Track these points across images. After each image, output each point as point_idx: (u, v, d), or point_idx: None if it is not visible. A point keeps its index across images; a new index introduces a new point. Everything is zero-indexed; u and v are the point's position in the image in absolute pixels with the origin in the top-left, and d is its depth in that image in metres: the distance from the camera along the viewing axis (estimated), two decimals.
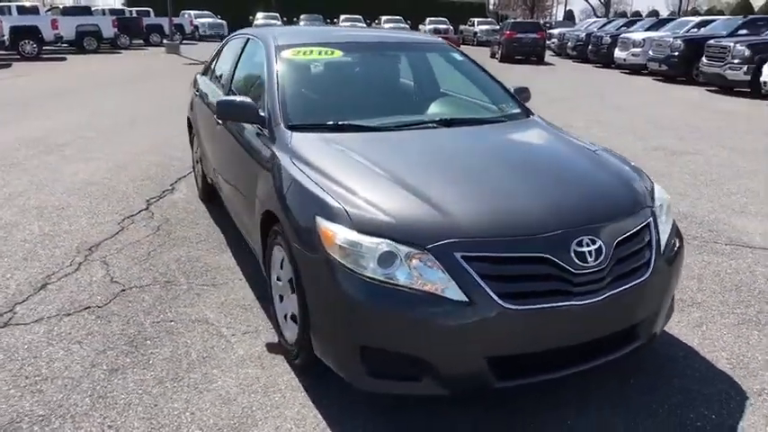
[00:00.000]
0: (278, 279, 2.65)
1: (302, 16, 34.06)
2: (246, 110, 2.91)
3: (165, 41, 25.16)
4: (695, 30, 16.86)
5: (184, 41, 27.19)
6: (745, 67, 12.41)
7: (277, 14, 33.96)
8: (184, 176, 5.58)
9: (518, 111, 3.26)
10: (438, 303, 1.94)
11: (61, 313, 3.00)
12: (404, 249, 2.00)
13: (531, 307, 1.97)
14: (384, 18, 35.95)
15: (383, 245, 2.00)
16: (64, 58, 19.40)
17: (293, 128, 2.75)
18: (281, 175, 2.50)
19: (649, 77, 16.63)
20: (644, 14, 60.13)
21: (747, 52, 12.36)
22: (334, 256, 2.06)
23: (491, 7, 68.24)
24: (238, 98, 2.93)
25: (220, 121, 3.54)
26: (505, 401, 2.32)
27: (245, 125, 3.04)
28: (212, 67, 4.49)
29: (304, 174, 2.39)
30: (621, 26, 22.05)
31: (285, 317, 2.59)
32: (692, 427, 2.22)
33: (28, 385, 2.41)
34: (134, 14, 27.36)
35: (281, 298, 2.65)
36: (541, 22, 32.71)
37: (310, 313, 2.21)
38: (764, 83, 11.10)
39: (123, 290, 3.27)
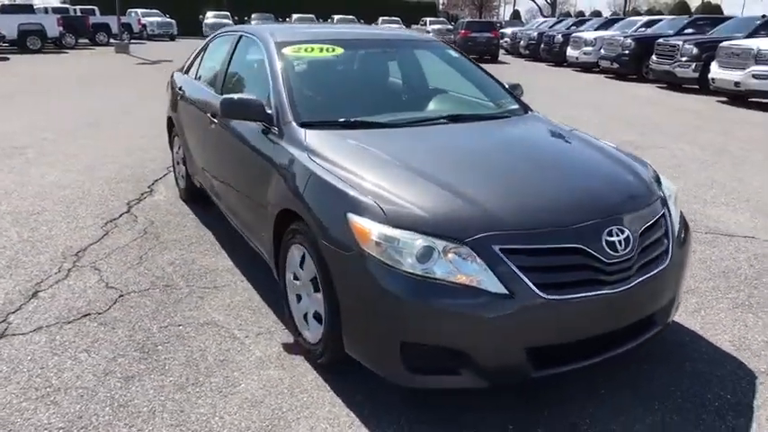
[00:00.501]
0: (295, 278, 2.61)
1: (253, 15, 33.52)
2: (253, 107, 2.85)
3: (112, 41, 24.29)
4: (643, 29, 17.54)
5: (133, 41, 26.30)
6: (693, 65, 13.01)
7: (228, 13, 33.34)
8: (161, 178, 5.42)
9: (516, 106, 3.32)
10: (478, 296, 1.96)
11: (60, 321, 2.87)
12: (441, 243, 2.00)
13: (568, 297, 2.01)
14: (381, 18, 35.79)
15: (420, 239, 2.01)
16: (6, 58, 18.45)
17: (305, 125, 2.72)
18: (299, 172, 2.47)
19: (601, 75, 17.21)
20: (587, 14, 62.13)
21: (695, 50, 12.96)
22: (370, 252, 2.05)
23: (441, 7, 69.08)
24: (244, 96, 2.87)
25: (215, 121, 3.46)
26: (534, 392, 2.36)
27: (249, 124, 2.97)
28: (196, 65, 4.37)
29: (327, 171, 2.36)
30: (571, 25, 22.72)
31: (305, 316, 2.56)
32: (711, 407, 2.32)
33: (40, 397, 2.29)
34: (78, 13, 26.28)
35: (299, 297, 2.61)
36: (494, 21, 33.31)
37: (342, 311, 2.18)
38: (713, 79, 11.64)
39: (121, 295, 3.15)
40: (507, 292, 1.96)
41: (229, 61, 3.64)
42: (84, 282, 3.30)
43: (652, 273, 2.21)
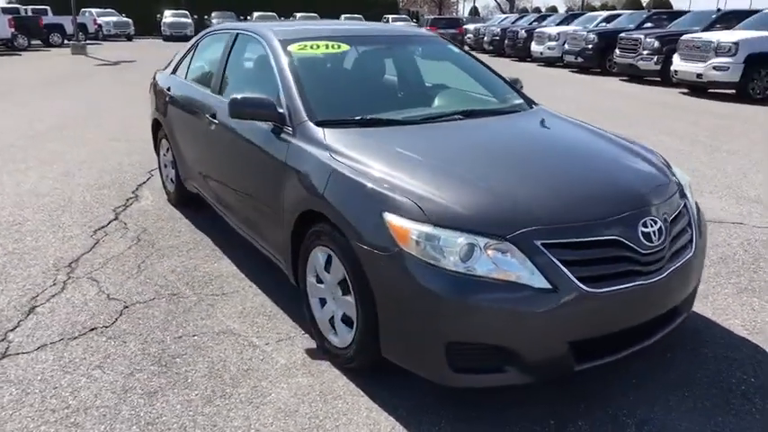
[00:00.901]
0: (318, 282, 2.54)
1: (213, 14, 32.93)
2: (265, 107, 2.77)
3: (67, 42, 23.41)
4: (604, 24, 17.94)
5: (88, 42, 25.42)
6: (655, 58, 13.38)
7: (186, 12, 32.60)
8: (144, 182, 5.24)
9: (522, 101, 3.32)
10: (522, 291, 1.94)
11: (65, 337, 2.72)
12: (482, 240, 1.98)
13: (609, 289, 2.02)
14: (391, 17, 35.56)
15: (462, 237, 1.98)
16: None
17: (320, 124, 2.65)
18: (323, 173, 2.40)
19: (565, 69, 17.54)
20: (543, 10, 63.35)
21: (657, 44, 13.33)
22: (411, 251, 2.00)
23: (401, 4, 69.26)
24: (253, 95, 2.78)
25: (216, 122, 3.35)
26: (568, 385, 2.36)
27: (257, 124, 2.88)
28: (185, 65, 4.23)
29: (355, 170, 2.30)
30: (534, 21, 23.09)
31: (331, 320, 2.50)
32: (738, 391, 2.37)
33: (60, 419, 2.17)
34: (29, 13, 25.27)
35: (323, 301, 2.55)
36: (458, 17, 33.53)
37: (380, 313, 2.13)
38: (676, 72, 11.99)
39: (126, 306, 3.02)
40: (550, 287, 1.95)
41: (226, 60, 3.52)
42: (83, 294, 3.15)
43: (681, 262, 2.25)
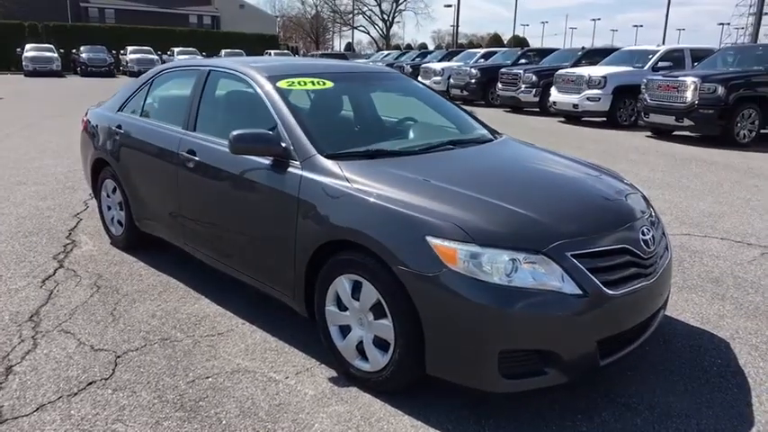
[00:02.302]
0: (342, 309, 2.60)
1: (83, 48, 31.03)
2: (268, 142, 2.81)
3: None
4: (482, 60, 19.45)
5: None
6: (534, 90, 14.78)
7: (51, 46, 30.38)
8: (75, 227, 4.88)
9: (486, 131, 3.62)
10: (559, 299, 2.17)
11: (64, 395, 2.51)
12: (521, 255, 2.19)
13: (625, 291, 2.31)
14: (273, 52, 35.11)
15: (505, 254, 2.17)
16: None
17: (330, 157, 2.74)
18: (349, 203, 2.48)
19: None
20: (414, 47, 66.95)
21: (535, 78, 14.74)
22: (459, 270, 2.16)
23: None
24: (256, 130, 2.81)
25: (195, 159, 3.28)
26: (581, 386, 2.62)
27: (255, 159, 2.90)
28: (137, 103, 4.06)
29: (384, 199, 2.42)
30: (416, 57, 24.40)
31: (358, 346, 2.56)
32: (711, 371, 2.77)
33: None
34: None
35: (346, 328, 2.61)
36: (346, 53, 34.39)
37: (427, 332, 2.25)
38: (554, 102, 13.32)
39: (118, 356, 2.84)
40: (581, 292, 2.20)
41: (200, 98, 3.47)
42: (62, 348, 2.90)
43: (665, 263, 2.62)
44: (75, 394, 2.52)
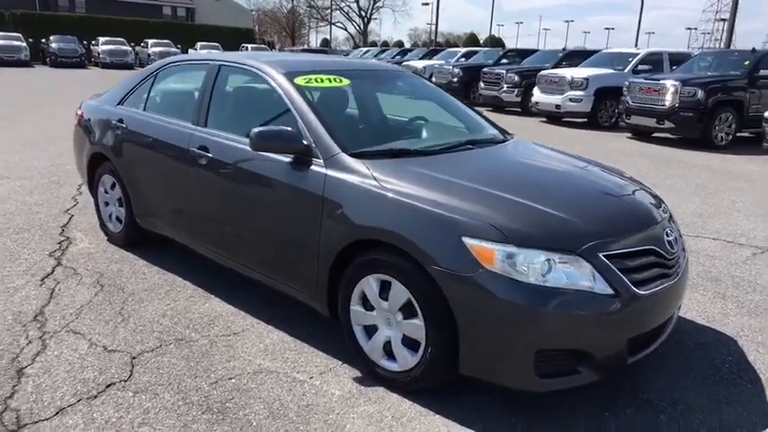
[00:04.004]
0: (369, 309, 2.58)
1: (52, 38, 30.18)
2: (289, 139, 2.77)
3: None
4: (463, 59, 19.56)
5: None
6: (516, 91, 14.92)
7: (20, 35, 29.45)
8: (67, 223, 4.74)
9: (497, 132, 3.63)
10: (593, 298, 2.20)
11: (83, 397, 2.44)
12: (556, 255, 2.21)
13: (652, 291, 2.35)
14: (250, 46, 34.68)
15: (541, 254, 2.19)
16: None
17: (356, 156, 2.72)
18: (380, 203, 2.47)
19: None
20: (390, 45, 67.04)
21: (517, 78, 14.88)
22: (496, 270, 2.17)
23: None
24: (277, 127, 2.77)
25: (206, 158, 3.22)
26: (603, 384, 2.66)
27: (275, 157, 2.86)
28: (140, 97, 3.96)
29: (416, 198, 2.40)
30: (396, 55, 24.40)
31: (385, 346, 2.55)
32: (724, 368, 2.84)
33: None
34: None
35: (372, 328, 2.60)
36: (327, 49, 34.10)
37: (461, 331, 2.25)
38: (537, 103, 13.48)
39: (134, 357, 2.77)
40: (613, 292, 2.23)
41: (211, 94, 3.40)
42: (73, 349, 2.82)
43: (684, 264, 2.67)
44: (95, 397, 2.45)
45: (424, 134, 3.35)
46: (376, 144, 2.93)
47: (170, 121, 3.61)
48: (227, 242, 3.28)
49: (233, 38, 41.68)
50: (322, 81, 3.17)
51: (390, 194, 2.47)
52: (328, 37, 58.94)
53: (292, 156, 2.83)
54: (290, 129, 2.81)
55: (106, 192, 4.26)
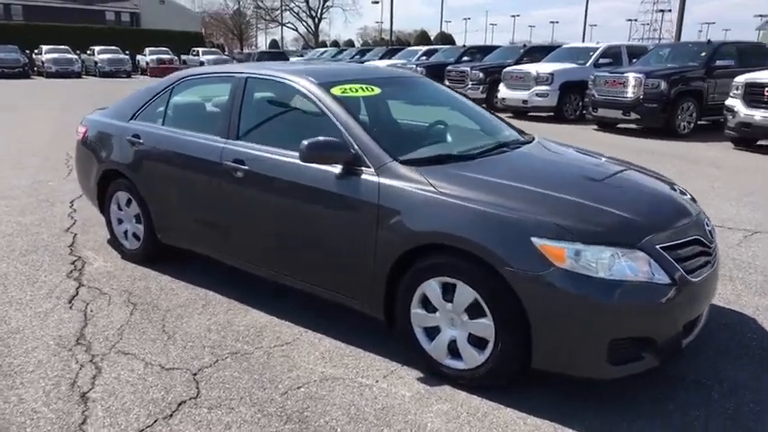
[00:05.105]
0: (430, 312, 2.67)
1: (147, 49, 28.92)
2: (340, 149, 2.83)
3: None
4: (425, 58, 19.79)
5: None
6: (481, 87, 15.22)
7: None
8: (73, 242, 4.62)
9: (516, 132, 3.77)
10: (655, 288, 2.35)
11: (159, 417, 2.44)
12: (620, 250, 2.35)
13: (701, 278, 2.53)
14: (201, 50, 33.62)
15: (606, 250, 2.33)
16: None
17: (404, 163, 2.79)
18: (442, 208, 2.55)
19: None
20: (341, 44, 67.01)
21: (482, 75, 15.20)
22: (567, 268, 2.29)
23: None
24: (329, 138, 2.82)
25: (242, 171, 3.22)
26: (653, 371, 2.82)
27: (322, 167, 2.90)
28: (156, 111, 3.90)
29: (476, 203, 2.51)
30: (355, 55, 24.43)
31: (450, 345, 2.64)
32: (751, 345, 3.06)
33: None
34: None
35: (430, 331, 2.68)
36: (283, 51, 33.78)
37: (534, 327, 2.36)
38: (503, 99, 13.80)
39: (194, 374, 2.77)
40: (670, 281, 2.39)
41: (240, 106, 3.40)
42: (129, 370, 2.80)
43: (717, 251, 2.87)
44: (171, 416, 2.45)
45: (455, 138, 3.45)
46: (417, 150, 3.02)
47: (195, 135, 3.59)
48: (267, 253, 3.30)
49: (182, 42, 40.82)
50: (356, 91, 3.23)
51: (452, 200, 2.56)
52: (281, 37, 58.33)
53: (340, 166, 2.88)
54: (338, 139, 2.86)
55: (120, 209, 4.19)
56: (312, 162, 2.85)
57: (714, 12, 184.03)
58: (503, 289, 2.40)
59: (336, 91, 3.14)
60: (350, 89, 3.20)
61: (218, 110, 3.55)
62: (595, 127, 12.05)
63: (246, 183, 3.25)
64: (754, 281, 3.94)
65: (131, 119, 4.04)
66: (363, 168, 2.83)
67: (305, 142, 2.78)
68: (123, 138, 3.98)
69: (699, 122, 10.94)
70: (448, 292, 2.59)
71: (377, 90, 3.33)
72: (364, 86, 3.28)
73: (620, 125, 11.65)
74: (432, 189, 2.64)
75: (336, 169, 2.89)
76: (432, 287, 2.62)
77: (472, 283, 2.48)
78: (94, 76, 31.08)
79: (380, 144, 2.86)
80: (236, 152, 3.31)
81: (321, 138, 2.81)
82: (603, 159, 3.34)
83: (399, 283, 2.73)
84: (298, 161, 3.01)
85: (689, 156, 8.81)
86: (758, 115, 8.82)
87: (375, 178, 2.78)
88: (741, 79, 9.12)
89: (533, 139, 3.63)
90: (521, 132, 3.75)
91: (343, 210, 2.86)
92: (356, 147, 2.87)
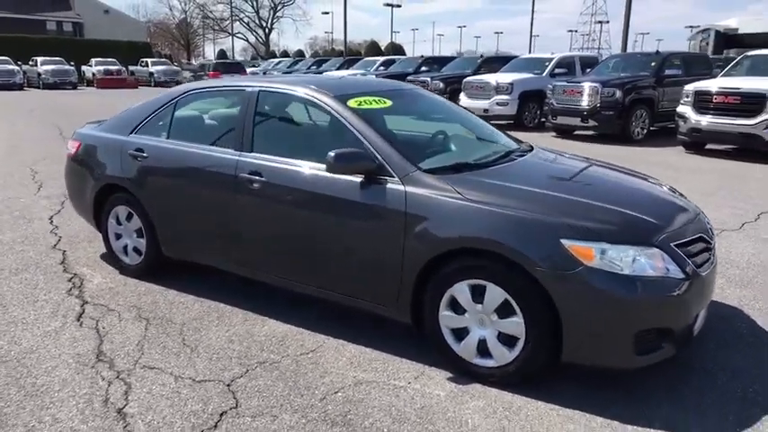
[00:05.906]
0: (459, 313, 2.79)
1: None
2: (365, 159, 2.92)
3: None
4: (383, 68, 20.04)
5: None
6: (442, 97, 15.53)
7: None
8: (64, 259, 4.51)
9: (513, 141, 3.96)
10: (672, 282, 2.55)
11: (204, 428, 2.45)
12: (640, 249, 2.54)
13: (708, 271, 2.76)
14: (150, 61, 32.47)
15: (630, 248, 2.52)
16: None
17: (428, 172, 2.91)
18: (470, 214, 2.68)
19: None
20: (291, 54, 66.79)
21: (442, 85, 15.51)
22: (595, 266, 2.47)
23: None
24: (354, 149, 2.91)
25: (259, 182, 3.27)
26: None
27: (344, 177, 2.99)
28: (160, 125, 3.88)
29: (504, 208, 2.65)
30: (312, 65, 24.46)
31: (479, 344, 2.76)
32: (746, 332, 3.33)
33: None
34: None
35: (462, 330, 2.80)
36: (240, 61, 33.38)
37: (566, 323, 2.52)
38: (465, 108, 14.13)
39: (227, 384, 2.79)
40: (684, 276, 2.60)
41: (253, 119, 3.44)
42: (160, 384, 2.79)
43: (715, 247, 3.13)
44: (215, 426, 2.47)
45: (464, 148, 3.60)
46: (434, 159, 3.14)
47: (204, 148, 3.60)
48: (287, 263, 3.34)
49: (129, 52, 39.73)
50: (371, 103, 3.33)
51: (480, 206, 2.70)
52: (232, 48, 57.59)
53: (363, 176, 2.97)
54: (359, 150, 2.95)
55: (119, 224, 4.12)
56: (338, 173, 2.93)
57: (647, 22, 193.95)
58: (533, 288, 2.55)
59: (353, 103, 3.24)
60: (365, 101, 3.30)
61: (228, 123, 3.57)
62: (554, 134, 12.53)
63: (264, 194, 3.29)
64: (733, 274, 4.25)
65: (132, 133, 4.00)
66: (387, 178, 2.93)
67: (331, 153, 2.86)
68: (125, 152, 3.93)
69: (651, 128, 11.55)
70: (476, 293, 2.72)
71: (389, 102, 3.44)
72: (377, 99, 3.39)
73: (577, 132, 12.16)
74: (458, 196, 2.77)
75: (358, 179, 2.98)
76: (461, 290, 2.74)
77: (503, 284, 2.62)
78: (37, 87, 29.91)
79: (404, 154, 2.98)
80: (252, 164, 3.34)
81: (347, 149, 2.90)
82: (601, 165, 3.56)
83: (427, 288, 2.84)
84: (317, 172, 3.10)
85: (646, 160, 9.30)
86: (706, 121, 9.42)
87: (401, 187, 2.88)
88: (691, 87, 9.72)
89: (532, 147, 3.82)
90: (517, 141, 3.94)
91: (368, 219, 2.95)
92: (379, 157, 2.97)
